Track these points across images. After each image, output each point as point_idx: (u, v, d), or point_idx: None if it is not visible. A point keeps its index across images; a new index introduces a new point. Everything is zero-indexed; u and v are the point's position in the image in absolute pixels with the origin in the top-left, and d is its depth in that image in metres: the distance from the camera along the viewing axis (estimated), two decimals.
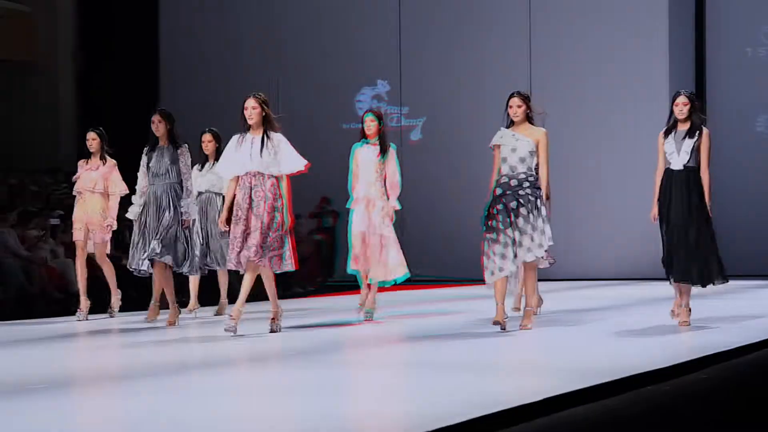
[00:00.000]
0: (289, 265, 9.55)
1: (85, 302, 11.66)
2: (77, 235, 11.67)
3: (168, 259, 10.59)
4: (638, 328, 9.78)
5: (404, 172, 19.19)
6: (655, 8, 18.46)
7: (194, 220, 10.99)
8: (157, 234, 10.57)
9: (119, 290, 11.80)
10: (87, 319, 11.57)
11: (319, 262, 18.08)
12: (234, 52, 20.24)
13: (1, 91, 20.18)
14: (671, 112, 9.78)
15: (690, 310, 9.85)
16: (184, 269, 10.82)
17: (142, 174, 10.89)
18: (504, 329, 9.38)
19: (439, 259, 18.10)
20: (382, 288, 11.00)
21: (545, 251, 9.51)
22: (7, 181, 17.45)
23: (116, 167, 11.73)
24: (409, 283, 12.74)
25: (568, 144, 18.58)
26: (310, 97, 19.67)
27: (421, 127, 19.79)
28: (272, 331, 9.75)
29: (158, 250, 10.53)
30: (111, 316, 11.72)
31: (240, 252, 9.41)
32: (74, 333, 10.86)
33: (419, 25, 19.74)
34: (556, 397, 6.17)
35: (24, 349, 9.44)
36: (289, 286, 17.45)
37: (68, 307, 12.22)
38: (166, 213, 10.63)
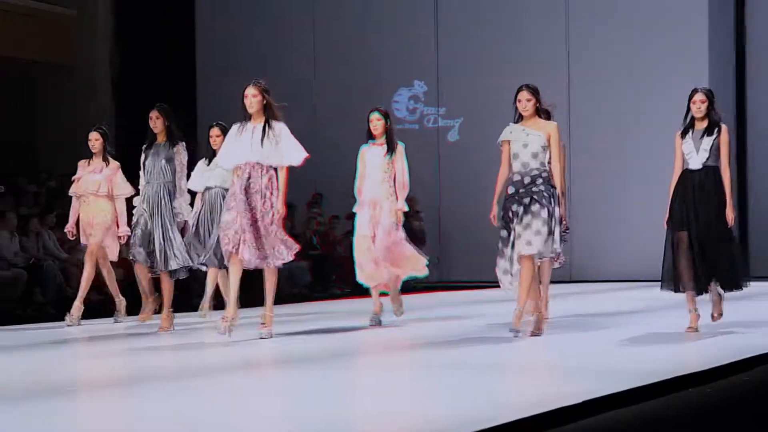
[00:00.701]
0: (294, 248, 9.29)
1: (120, 303, 11.62)
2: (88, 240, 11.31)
3: (143, 258, 10.40)
4: (675, 331, 9.63)
5: (441, 172, 19.32)
6: (695, 9, 18.31)
7: (186, 221, 10.79)
8: (152, 243, 10.34)
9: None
10: (124, 321, 11.57)
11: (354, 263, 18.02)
12: (273, 52, 20.25)
13: (41, 94, 20.31)
14: (688, 109, 9.39)
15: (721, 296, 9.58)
16: (178, 273, 10.58)
17: (143, 174, 10.55)
18: (540, 334, 9.24)
19: (477, 260, 17.99)
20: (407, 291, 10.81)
21: (554, 254, 9.15)
22: (46, 183, 17.57)
23: (119, 168, 11.33)
24: (446, 286, 12.69)
25: (602, 144, 18.46)
26: (346, 98, 19.65)
27: (458, 128, 19.73)
28: (262, 337, 9.32)
29: (158, 261, 10.36)
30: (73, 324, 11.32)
31: (245, 253, 9.06)
32: (110, 335, 10.81)
33: (456, 25, 19.69)
34: (594, 400, 6.10)
35: (57, 351, 9.46)
36: (327, 287, 17.46)
37: (106, 309, 12.22)
38: (159, 218, 10.31)
